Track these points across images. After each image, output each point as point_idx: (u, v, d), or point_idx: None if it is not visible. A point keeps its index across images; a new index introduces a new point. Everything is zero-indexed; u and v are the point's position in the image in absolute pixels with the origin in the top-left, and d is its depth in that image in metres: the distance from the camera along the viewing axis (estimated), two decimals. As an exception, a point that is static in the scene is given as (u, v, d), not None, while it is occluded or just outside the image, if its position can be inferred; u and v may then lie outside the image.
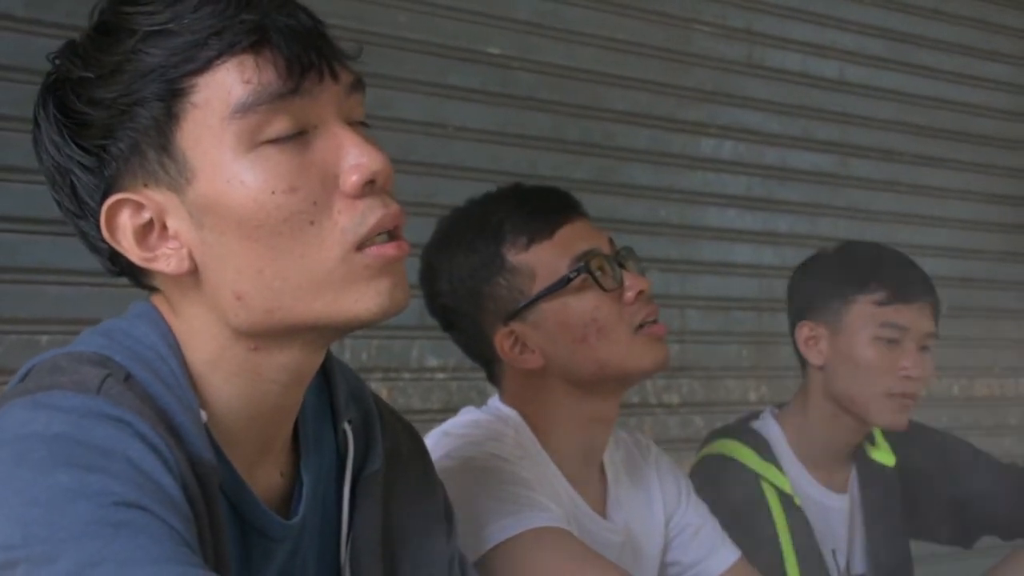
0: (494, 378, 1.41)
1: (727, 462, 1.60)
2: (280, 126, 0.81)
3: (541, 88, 2.46)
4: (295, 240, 0.80)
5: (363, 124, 0.86)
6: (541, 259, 1.32)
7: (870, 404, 1.57)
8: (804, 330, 1.63)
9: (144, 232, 0.83)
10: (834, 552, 1.62)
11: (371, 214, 0.82)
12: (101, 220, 0.83)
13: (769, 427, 1.64)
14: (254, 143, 0.81)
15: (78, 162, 0.83)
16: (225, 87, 0.81)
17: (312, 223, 0.80)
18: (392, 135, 2.17)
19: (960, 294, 3.20)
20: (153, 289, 0.87)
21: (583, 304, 1.31)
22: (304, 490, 0.90)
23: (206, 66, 0.80)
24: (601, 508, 1.41)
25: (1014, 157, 3.35)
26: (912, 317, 1.56)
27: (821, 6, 2.98)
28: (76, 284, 1.84)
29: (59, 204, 0.86)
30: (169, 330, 0.85)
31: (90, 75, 0.82)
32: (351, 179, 0.81)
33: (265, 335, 0.84)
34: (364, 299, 0.82)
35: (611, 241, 1.35)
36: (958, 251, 3.20)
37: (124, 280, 2.03)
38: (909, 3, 3.17)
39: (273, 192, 0.80)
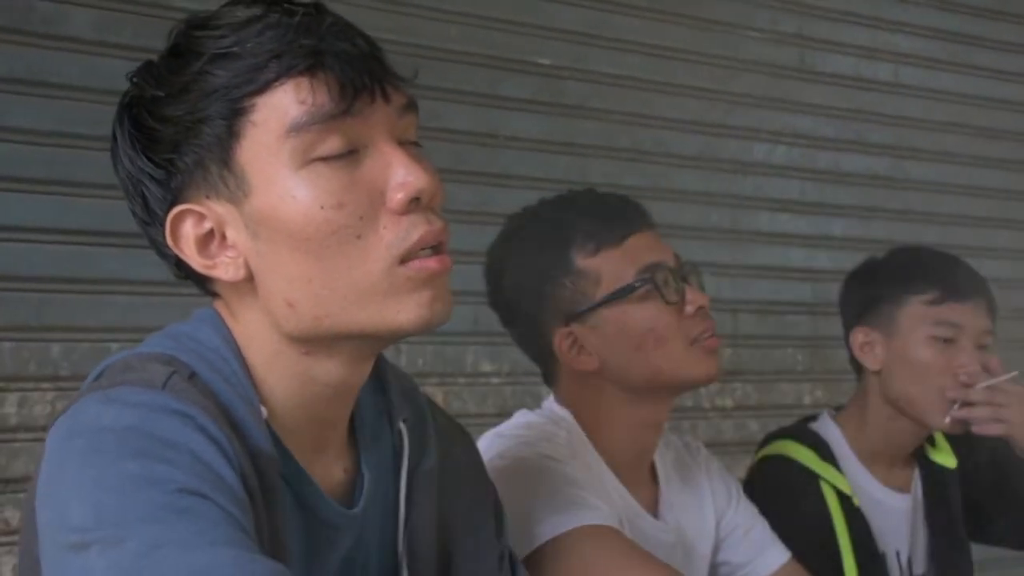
0: (549, 377, 1.43)
1: (786, 463, 1.61)
2: (332, 145, 0.85)
3: (591, 97, 2.49)
4: (342, 253, 0.85)
5: (415, 144, 0.90)
6: (608, 266, 1.35)
7: (928, 407, 1.57)
8: (859, 336, 1.63)
9: (205, 241, 0.88)
10: (898, 553, 1.62)
11: (415, 230, 0.86)
12: (166, 229, 0.88)
13: (828, 428, 1.65)
14: (306, 160, 0.85)
15: (148, 174, 0.88)
16: (282, 107, 0.85)
17: (359, 237, 0.85)
18: (444, 145, 2.22)
19: (1020, 296, 3.16)
20: (215, 295, 0.92)
21: (644, 313, 1.33)
22: (365, 483, 0.94)
23: (265, 87, 0.85)
24: (653, 508, 1.44)
25: None
26: (966, 314, 1.56)
27: (873, 8, 2.96)
28: (144, 294, 1.91)
29: (133, 213, 0.93)
30: (229, 333, 0.90)
31: (161, 94, 0.87)
32: (397, 196, 0.86)
33: (315, 341, 0.88)
34: (406, 310, 0.86)
35: (676, 256, 1.38)
36: (1019, 252, 3.15)
37: (188, 289, 2.10)
38: (964, 3, 3.14)
39: (322, 207, 0.84)
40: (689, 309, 1.34)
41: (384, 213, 0.86)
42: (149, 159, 0.88)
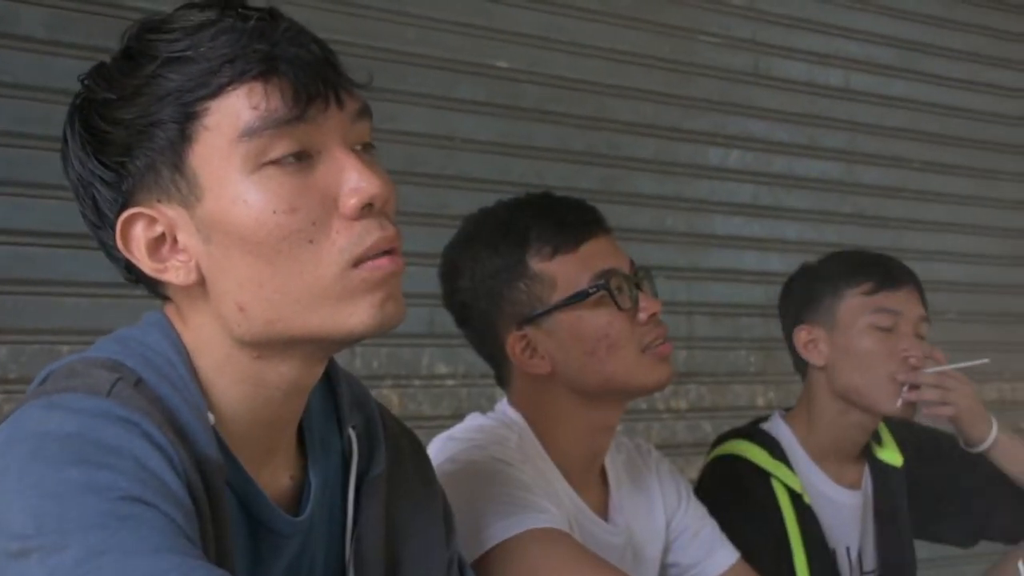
0: (502, 379, 1.44)
1: (738, 462, 1.64)
2: (283, 149, 0.85)
3: (547, 100, 2.51)
4: (294, 257, 0.85)
5: (370, 147, 0.90)
6: (563, 270, 1.36)
7: (877, 393, 1.61)
8: (802, 334, 1.67)
9: (156, 244, 0.88)
10: (848, 549, 1.66)
11: (368, 236, 0.86)
12: (117, 232, 0.87)
13: (779, 428, 1.68)
14: (259, 164, 0.85)
15: (99, 177, 0.87)
16: (235, 111, 0.85)
17: (311, 242, 0.85)
18: (400, 148, 2.23)
19: (970, 299, 3.22)
20: (166, 298, 0.92)
21: (598, 319, 1.34)
22: (312, 490, 0.94)
23: (218, 91, 0.85)
24: (603, 511, 1.45)
25: (1022, 163, 3.37)
26: (901, 301, 1.62)
27: (826, 15, 3.01)
28: (94, 296, 1.90)
29: (83, 215, 0.92)
30: (179, 338, 0.89)
31: (113, 96, 0.86)
32: (350, 202, 0.86)
33: (266, 345, 0.88)
34: (359, 313, 0.86)
35: (631, 261, 1.39)
36: (968, 256, 3.22)
37: (139, 292, 2.09)
38: (916, 11, 3.20)
39: (274, 212, 0.84)
40: (642, 316, 1.35)
41: (337, 218, 0.86)
42: (100, 162, 0.87)
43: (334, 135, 0.87)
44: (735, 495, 1.58)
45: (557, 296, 1.35)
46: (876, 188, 3.06)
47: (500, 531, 1.23)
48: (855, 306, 1.62)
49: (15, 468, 0.79)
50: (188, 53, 0.85)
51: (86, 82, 0.90)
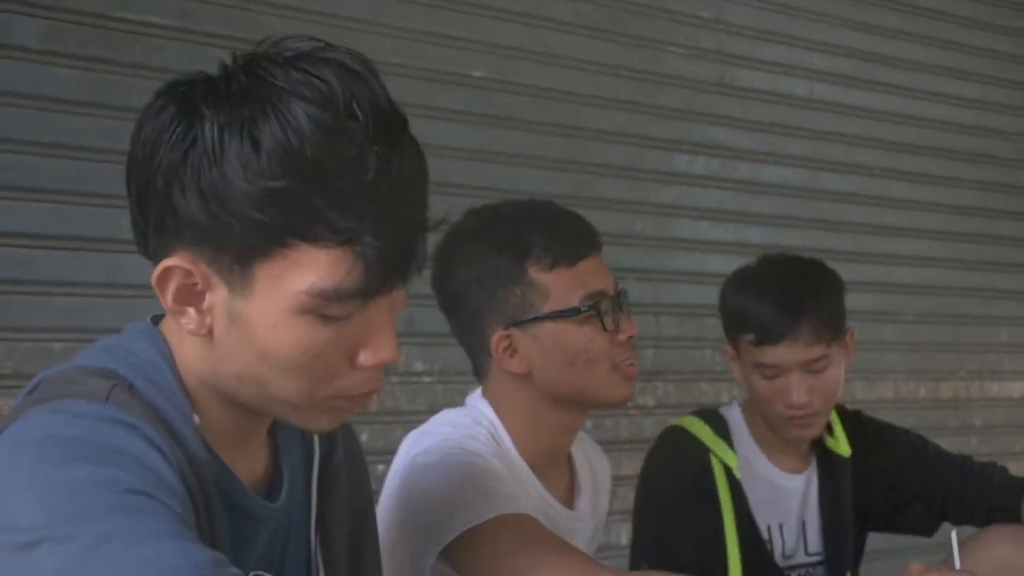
0: (479, 371, 1.51)
1: (683, 433, 1.78)
2: (337, 311, 0.88)
3: (522, 108, 2.58)
4: (296, 381, 0.90)
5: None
6: (559, 284, 1.42)
7: (776, 423, 1.75)
8: (727, 348, 1.80)
9: (185, 291, 0.90)
10: (781, 526, 1.78)
11: (364, 387, 0.92)
12: (157, 270, 0.89)
13: (732, 412, 1.82)
14: (308, 310, 0.87)
15: (168, 211, 0.87)
16: (318, 267, 0.85)
17: (315, 378, 0.91)
18: (380, 155, 2.30)
19: (927, 301, 3.33)
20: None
21: (582, 335, 1.42)
22: (285, 479, 1.02)
23: (315, 241, 0.85)
24: (567, 498, 1.54)
25: (978, 170, 3.46)
26: (781, 355, 1.69)
27: (790, 27, 3.09)
28: (85, 296, 1.98)
29: (132, 211, 0.90)
30: (167, 346, 0.94)
31: (222, 168, 0.84)
32: (365, 360, 0.90)
33: (241, 403, 0.96)
34: (318, 423, 0.96)
35: (615, 282, 1.47)
36: (925, 260, 3.32)
37: (127, 292, 2.15)
38: (876, 24, 3.28)
39: (302, 354, 0.89)
40: (621, 338, 1.44)
41: (346, 364, 0.90)
42: (172, 204, 0.86)
43: (385, 301, 0.89)
44: (672, 464, 1.73)
45: (548, 306, 1.42)
46: (837, 194, 3.15)
47: (471, 517, 1.29)
48: (746, 350, 1.73)
49: (23, 469, 0.84)
50: (307, 193, 0.83)
51: (202, 111, 0.85)
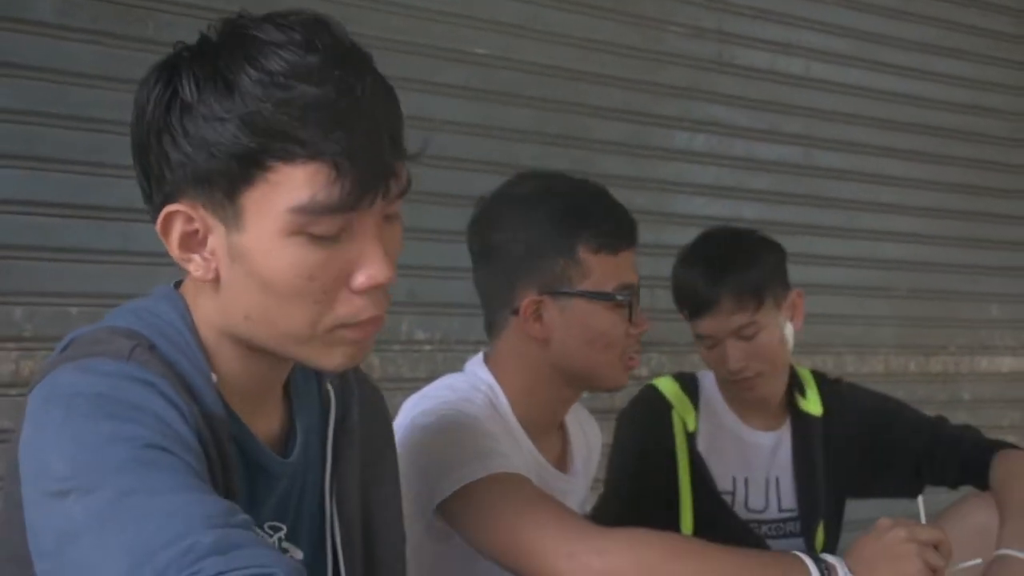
0: (494, 327, 1.56)
1: (652, 391, 1.90)
2: (323, 228, 0.92)
3: (523, 85, 2.63)
4: (299, 308, 0.95)
5: (395, 216, 0.96)
6: (600, 268, 1.49)
7: (726, 388, 1.87)
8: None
9: (189, 238, 0.96)
10: (747, 480, 1.88)
11: (365, 312, 0.96)
12: (159, 218, 0.95)
13: (707, 376, 1.92)
14: (297, 231, 0.92)
15: (159, 161, 0.94)
16: (296, 184, 0.91)
17: (316, 303, 0.95)
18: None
19: (918, 277, 3.39)
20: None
21: (607, 320, 1.49)
22: (298, 435, 1.07)
23: (290, 159, 0.90)
24: (560, 461, 1.61)
25: (971, 149, 3.50)
26: (710, 326, 1.80)
27: (787, 7, 3.12)
28: (101, 263, 2.04)
29: (135, 164, 0.97)
30: (186, 309, 1.00)
31: (200, 110, 0.91)
32: (359, 282, 0.95)
33: (256, 347, 0.99)
34: (332, 358, 0.98)
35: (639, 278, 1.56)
36: (917, 236, 3.37)
37: (142, 259, 2.23)
38: (872, 3, 3.30)
39: (296, 276, 0.93)
40: (635, 331, 1.52)
41: (344, 289, 0.95)
42: (164, 152, 0.93)
43: (370, 219, 0.93)
44: (637, 415, 1.86)
45: (585, 286, 1.48)
46: (832, 171, 3.19)
47: (465, 474, 1.35)
48: (690, 323, 1.85)
49: (54, 422, 0.89)
50: (275, 114, 0.89)
51: (179, 70, 0.93)
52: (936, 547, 1.33)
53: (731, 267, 1.79)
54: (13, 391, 1.95)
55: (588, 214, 1.50)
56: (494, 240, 1.52)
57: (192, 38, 0.97)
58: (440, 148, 2.53)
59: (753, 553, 1.44)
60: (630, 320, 1.50)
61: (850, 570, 1.37)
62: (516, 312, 1.51)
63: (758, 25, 3.08)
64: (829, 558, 1.39)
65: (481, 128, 2.56)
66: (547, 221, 1.49)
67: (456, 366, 1.65)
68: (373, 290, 0.95)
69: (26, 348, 1.97)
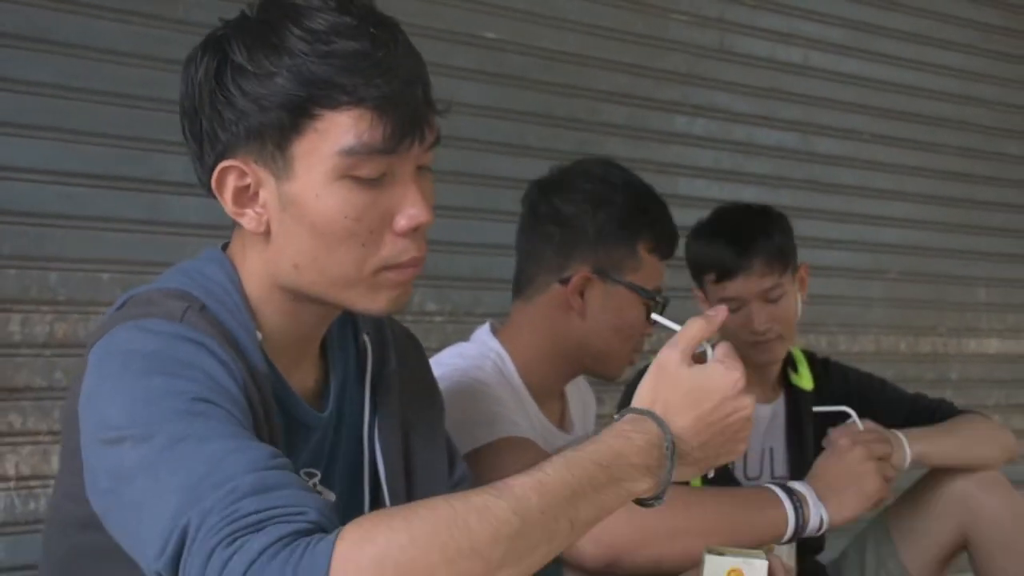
0: (527, 285, 1.64)
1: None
2: (368, 172, 1.01)
3: (532, 69, 2.69)
4: (347, 251, 1.02)
5: (429, 169, 1.06)
6: (648, 266, 1.63)
7: (745, 351, 1.92)
8: (696, 292, 1.99)
9: (241, 192, 1.04)
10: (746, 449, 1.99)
11: (407, 253, 1.04)
12: (214, 175, 1.03)
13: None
14: (343, 174, 1.01)
15: (213, 122, 1.02)
16: (342, 129, 0.99)
17: (363, 245, 1.02)
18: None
19: (911, 261, 3.47)
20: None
21: (639, 315, 1.61)
22: (332, 390, 1.14)
23: (335, 106, 0.99)
24: (561, 422, 1.72)
25: (963, 137, 3.56)
26: (738, 287, 1.89)
27: (787, -3, 3.18)
28: (130, 231, 2.11)
29: (185, 134, 1.05)
30: (233, 269, 1.06)
31: (249, 68, 1.00)
32: (402, 223, 1.03)
33: (304, 296, 1.06)
34: (379, 301, 1.06)
35: None
36: (911, 222, 3.44)
37: (169, 229, 2.32)
38: (869, -6, 3.37)
39: (345, 216, 1.01)
40: (647, 331, 1.64)
41: (388, 231, 1.03)
42: (218, 111, 1.01)
43: (408, 165, 1.03)
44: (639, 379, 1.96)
45: (635, 279, 1.60)
46: (829, 157, 3.25)
47: (476, 439, 1.45)
48: (710, 289, 1.92)
49: (111, 377, 0.97)
50: (320, 66, 0.98)
51: (228, 39, 1.01)
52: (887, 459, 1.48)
53: (759, 233, 1.89)
54: (48, 351, 2.03)
55: (653, 215, 1.62)
56: (565, 210, 1.62)
57: (219, 21, 1.05)
58: (452, 129, 2.58)
59: (731, 490, 1.59)
60: (654, 320, 1.63)
61: (819, 497, 1.52)
62: (563, 282, 1.60)
63: (758, 15, 3.13)
64: (797, 486, 1.54)
65: (490, 110, 2.62)
66: (620, 208, 1.60)
67: (465, 336, 1.74)
68: (414, 232, 1.03)
69: (60, 311, 2.03)
